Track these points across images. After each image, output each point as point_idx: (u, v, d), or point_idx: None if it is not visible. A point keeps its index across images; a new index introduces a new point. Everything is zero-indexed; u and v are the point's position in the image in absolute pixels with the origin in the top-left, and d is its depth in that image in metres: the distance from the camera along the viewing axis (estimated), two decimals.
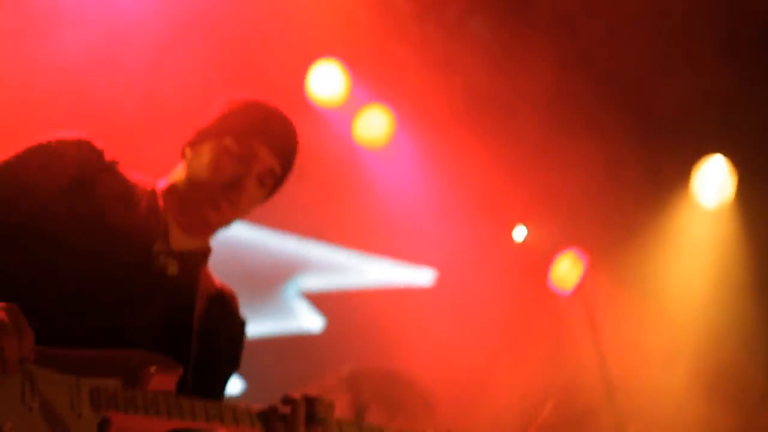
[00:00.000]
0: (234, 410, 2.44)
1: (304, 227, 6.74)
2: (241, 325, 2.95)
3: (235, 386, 6.70)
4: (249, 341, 6.65)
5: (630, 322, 6.26)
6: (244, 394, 6.69)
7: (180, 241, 2.79)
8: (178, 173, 2.85)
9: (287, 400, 2.46)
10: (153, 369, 2.43)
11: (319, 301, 7.04)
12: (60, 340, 2.38)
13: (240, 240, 6.58)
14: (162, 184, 2.84)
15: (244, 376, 6.73)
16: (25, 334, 2.22)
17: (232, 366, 2.91)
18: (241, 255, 6.58)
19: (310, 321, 7.04)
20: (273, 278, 6.95)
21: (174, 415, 2.38)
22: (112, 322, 2.56)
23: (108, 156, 2.76)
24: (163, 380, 2.45)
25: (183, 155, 2.87)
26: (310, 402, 2.46)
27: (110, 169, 2.76)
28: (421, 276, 7.01)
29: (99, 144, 2.75)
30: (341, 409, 5.32)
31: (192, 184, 2.78)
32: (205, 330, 2.77)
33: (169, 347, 2.62)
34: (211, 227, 2.81)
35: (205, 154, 2.79)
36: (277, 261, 6.87)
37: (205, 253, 2.88)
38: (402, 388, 5.59)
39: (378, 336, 6.35)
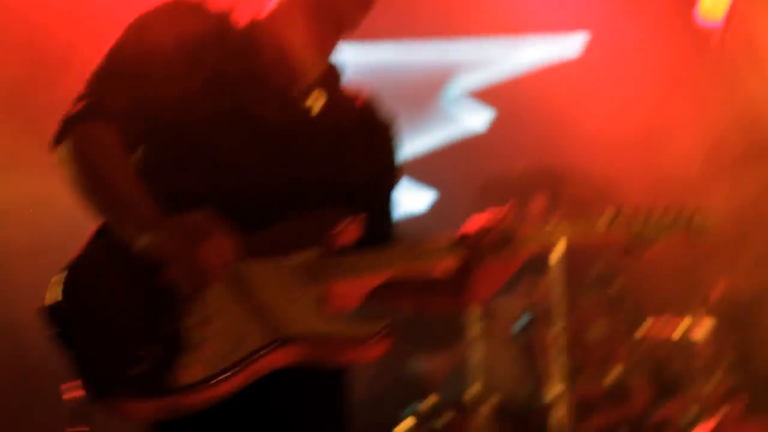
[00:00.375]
0: (428, 248, 2.50)
1: (443, 30, 6.67)
2: (388, 127, 2.83)
3: (425, 198, 6.86)
4: (426, 154, 6.73)
5: None
6: (434, 205, 6.85)
7: (311, 68, 2.64)
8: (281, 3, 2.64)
9: (470, 234, 2.50)
10: (339, 227, 2.43)
11: (480, 98, 7.00)
12: (239, 225, 2.32)
13: (387, 62, 6.61)
14: (272, 11, 2.65)
15: (430, 186, 6.88)
16: (227, 236, 2.23)
17: (397, 174, 2.84)
18: (392, 77, 6.61)
19: (476, 120, 7.03)
20: (428, 89, 6.94)
21: (380, 269, 2.46)
22: (282, 189, 2.49)
23: (209, 4, 2.62)
24: (350, 233, 2.46)
25: None
26: (491, 230, 2.48)
27: (216, 21, 2.60)
28: (573, 44, 6.83)
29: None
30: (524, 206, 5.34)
31: None
32: (361, 154, 2.70)
33: (339, 191, 2.59)
34: (346, 29, 2.61)
35: None
36: (428, 71, 6.85)
37: (338, 70, 2.73)
38: (582, 181, 5.53)
39: (545, 116, 6.29)
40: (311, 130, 2.58)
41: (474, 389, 5.03)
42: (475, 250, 2.47)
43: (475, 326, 5.21)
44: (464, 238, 2.50)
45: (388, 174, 2.79)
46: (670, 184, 5.87)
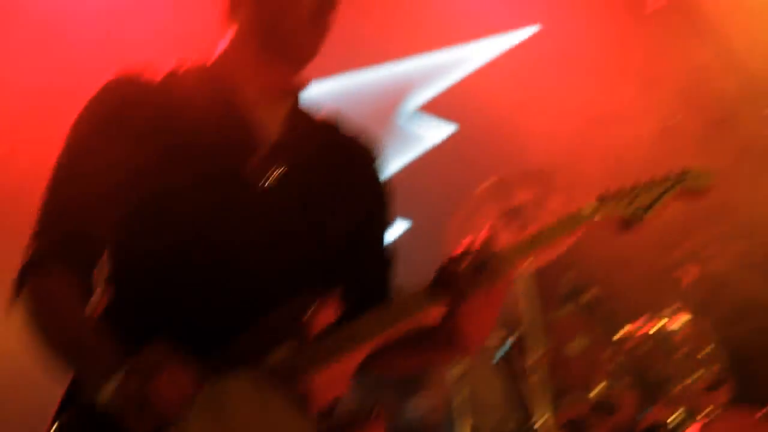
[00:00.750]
0: (405, 304, 2.26)
1: (391, 54, 6.64)
2: (368, 159, 2.65)
3: (397, 228, 6.81)
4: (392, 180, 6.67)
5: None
6: (407, 234, 6.81)
7: (270, 116, 2.49)
8: (239, 33, 2.51)
9: (441, 271, 2.27)
10: (310, 313, 2.25)
11: (437, 108, 6.96)
12: (199, 321, 2.27)
13: (337, 94, 6.58)
14: (221, 53, 2.53)
15: (401, 216, 6.83)
16: (179, 367, 2.09)
17: (387, 212, 2.66)
18: (344, 106, 6.57)
19: (438, 132, 7.00)
20: (382, 113, 6.90)
21: (360, 343, 2.24)
22: (251, 276, 2.34)
23: (145, 76, 2.46)
24: (326, 314, 2.28)
25: (231, 17, 2.54)
26: (464, 256, 2.26)
27: (155, 94, 2.43)
28: (525, 34, 6.78)
29: (126, 72, 2.46)
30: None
31: (273, 22, 2.46)
32: (341, 208, 2.52)
33: (320, 258, 2.43)
34: (307, 56, 2.49)
35: None
36: (379, 95, 6.81)
37: (294, 99, 2.56)
38: (545, 179, 5.47)
39: (499, 120, 6.24)
40: (270, 208, 2.40)
41: (465, 426, 5.05)
42: (455, 283, 2.23)
43: (457, 364, 5.20)
44: (440, 274, 2.27)
45: (376, 216, 2.62)
46: (629, 169, 5.82)
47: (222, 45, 2.55)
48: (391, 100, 6.87)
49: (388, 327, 2.25)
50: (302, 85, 2.56)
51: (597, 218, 2.39)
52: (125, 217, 2.33)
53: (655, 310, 5.15)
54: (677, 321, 5.02)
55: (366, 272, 2.54)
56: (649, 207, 2.41)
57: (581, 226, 2.39)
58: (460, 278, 2.22)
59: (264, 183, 2.41)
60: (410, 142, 6.97)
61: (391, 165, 6.74)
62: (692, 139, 5.87)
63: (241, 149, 2.41)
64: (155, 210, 2.33)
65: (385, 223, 2.64)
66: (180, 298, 2.31)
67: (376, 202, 2.64)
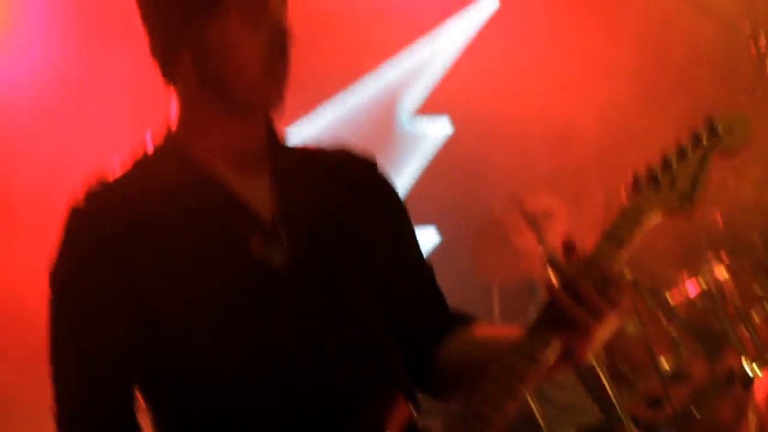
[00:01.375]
0: (519, 351, 1.95)
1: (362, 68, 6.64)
2: (371, 172, 2.39)
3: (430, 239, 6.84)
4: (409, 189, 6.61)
5: None
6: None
7: (257, 184, 2.21)
8: (184, 104, 2.22)
9: (550, 307, 1.97)
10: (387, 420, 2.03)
11: (432, 106, 6.96)
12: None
13: (329, 121, 6.61)
14: (178, 120, 2.23)
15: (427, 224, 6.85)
16: None
17: (411, 231, 2.41)
18: (343, 126, 6.60)
19: (438, 129, 6.99)
20: (382, 123, 6.89)
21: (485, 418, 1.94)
22: (307, 370, 2.13)
23: (109, 180, 2.20)
24: (398, 418, 2.05)
25: (173, 80, 2.23)
26: (567, 286, 1.95)
27: (131, 197, 2.16)
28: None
29: (87, 187, 2.19)
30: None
31: (225, 82, 2.14)
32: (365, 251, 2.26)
33: (365, 318, 2.22)
34: (272, 105, 2.19)
35: (217, 40, 2.13)
36: (372, 106, 6.82)
37: (273, 157, 2.27)
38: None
39: (495, 94, 6.21)
40: (301, 280, 2.17)
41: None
42: (574, 317, 1.93)
43: None
44: (548, 309, 1.97)
45: (404, 229, 2.40)
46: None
47: (174, 110, 2.25)
48: (385, 109, 6.86)
49: (509, 384, 1.95)
50: (280, 137, 2.31)
51: (644, 218, 2.04)
52: (152, 354, 2.12)
53: (691, 267, 5.15)
54: (717, 269, 5.02)
55: (421, 295, 2.35)
56: (693, 190, 2.05)
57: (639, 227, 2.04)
58: (580, 310, 1.92)
59: (279, 262, 2.15)
60: (417, 143, 6.96)
61: (406, 171, 6.74)
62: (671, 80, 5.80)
63: (241, 231, 2.15)
64: (181, 334, 2.11)
65: (413, 233, 2.41)
66: (237, 419, 2.10)
67: (397, 214, 2.40)
